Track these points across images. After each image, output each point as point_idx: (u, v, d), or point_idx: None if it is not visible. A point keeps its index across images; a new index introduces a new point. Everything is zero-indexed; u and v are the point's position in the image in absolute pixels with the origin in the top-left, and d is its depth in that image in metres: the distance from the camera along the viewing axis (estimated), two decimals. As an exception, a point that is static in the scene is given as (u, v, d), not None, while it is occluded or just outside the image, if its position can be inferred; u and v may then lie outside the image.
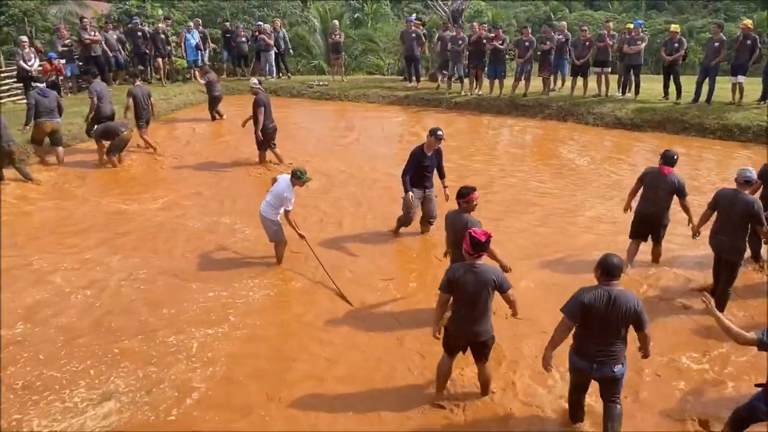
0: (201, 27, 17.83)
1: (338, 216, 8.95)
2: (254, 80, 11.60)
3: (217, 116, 14.49)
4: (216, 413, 4.92)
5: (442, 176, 7.84)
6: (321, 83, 18.18)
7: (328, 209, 9.20)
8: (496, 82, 15.58)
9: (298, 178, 7.02)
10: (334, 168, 11.08)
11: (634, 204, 7.06)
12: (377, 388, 5.22)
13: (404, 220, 7.88)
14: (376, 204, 9.38)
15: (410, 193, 7.55)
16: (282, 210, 7.05)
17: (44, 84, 11.83)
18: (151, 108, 11.94)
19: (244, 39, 17.94)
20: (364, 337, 5.97)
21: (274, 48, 17.92)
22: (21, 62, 13.38)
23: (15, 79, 14.90)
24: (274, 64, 18.30)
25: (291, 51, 19.80)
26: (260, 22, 19.18)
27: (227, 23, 18.67)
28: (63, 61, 14.81)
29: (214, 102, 14.30)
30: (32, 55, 13.58)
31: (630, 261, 6.89)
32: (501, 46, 14.98)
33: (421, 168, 7.59)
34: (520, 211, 9.00)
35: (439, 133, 7.38)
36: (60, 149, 11.06)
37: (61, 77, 15.02)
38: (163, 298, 6.68)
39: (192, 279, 7.08)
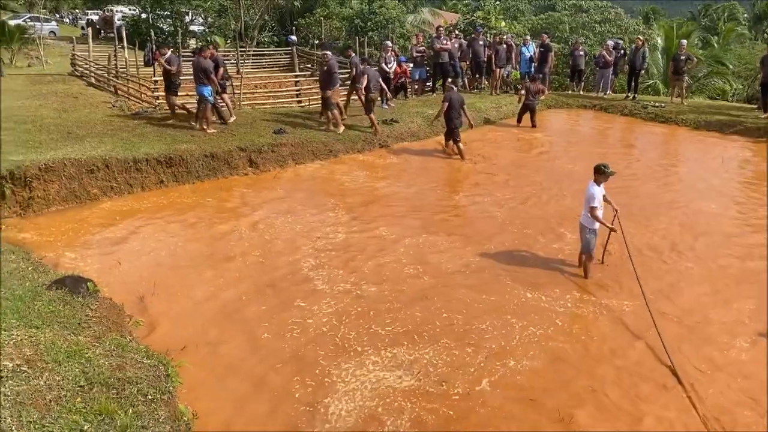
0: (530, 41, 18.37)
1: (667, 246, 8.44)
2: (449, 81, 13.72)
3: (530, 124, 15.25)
4: (513, 410, 5.02)
5: None
6: (656, 104, 17.14)
7: (653, 240, 8.73)
8: None
9: (601, 173, 7.02)
10: (656, 197, 10.44)
11: None
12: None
13: None
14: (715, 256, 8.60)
15: None
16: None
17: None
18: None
19: (582, 53, 17.85)
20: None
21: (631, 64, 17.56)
22: (383, 64, 15.33)
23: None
24: (609, 81, 17.86)
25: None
26: (611, 41, 18.73)
27: (545, 34, 18.73)
28: (411, 65, 16.69)
29: (526, 108, 15.13)
30: (392, 59, 15.46)
31: None
32: None
33: None
34: None
35: None
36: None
37: (408, 80, 16.90)
38: (486, 286, 7.10)
39: (513, 276, 7.39)
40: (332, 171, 11.80)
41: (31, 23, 30.26)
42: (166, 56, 12.62)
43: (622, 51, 17.75)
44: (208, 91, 12.17)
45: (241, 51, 19.95)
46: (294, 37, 21.55)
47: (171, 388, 4.12)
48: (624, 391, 5.36)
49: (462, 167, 12.13)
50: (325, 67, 12.89)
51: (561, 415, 4.99)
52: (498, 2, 29.88)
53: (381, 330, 6.12)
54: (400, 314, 6.43)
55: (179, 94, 13.36)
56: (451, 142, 12.61)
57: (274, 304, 6.65)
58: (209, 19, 28.92)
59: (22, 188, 9.35)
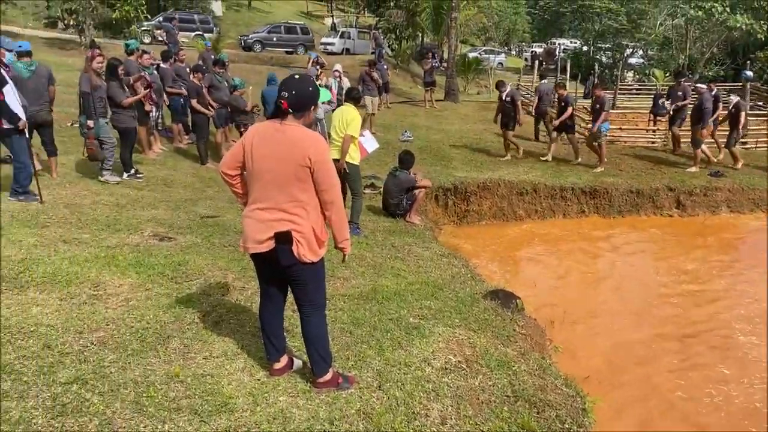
0: None
1: None
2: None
3: None
4: None
5: None
6: None
7: None
8: None
9: None
10: None
11: None
12: None
13: None
14: None
15: None
16: None
17: None
18: None
19: None
20: None
21: None
22: None
23: None
24: None
25: None
26: None
27: None
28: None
29: None
30: None
31: None
32: None
33: None
34: None
35: None
36: None
37: None
38: None
39: None
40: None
41: (485, 56, 34.09)
42: (506, 91, 12.73)
43: None
44: (603, 127, 11.78)
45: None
46: (750, 72, 19.34)
47: (587, 423, 4.10)
48: None
49: None
50: (697, 101, 11.72)
51: None
52: None
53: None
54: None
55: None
56: None
57: (687, 360, 6.10)
58: (649, 51, 28.13)
59: (461, 201, 10.63)
